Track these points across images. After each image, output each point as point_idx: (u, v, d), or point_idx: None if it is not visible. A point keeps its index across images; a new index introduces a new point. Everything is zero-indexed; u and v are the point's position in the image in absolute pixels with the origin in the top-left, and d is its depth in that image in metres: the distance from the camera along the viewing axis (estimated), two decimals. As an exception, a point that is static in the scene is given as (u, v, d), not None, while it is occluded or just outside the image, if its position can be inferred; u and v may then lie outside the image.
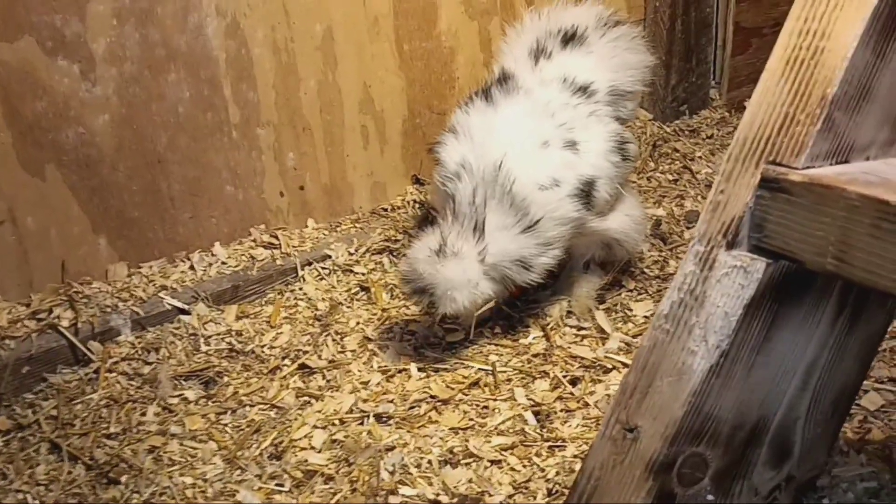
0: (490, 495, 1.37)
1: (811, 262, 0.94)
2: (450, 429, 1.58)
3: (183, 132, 1.96)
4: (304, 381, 1.76)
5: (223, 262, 2.04)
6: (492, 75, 1.89)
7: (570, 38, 1.89)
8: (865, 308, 1.12)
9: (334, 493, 1.41)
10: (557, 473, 1.41)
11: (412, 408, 1.66)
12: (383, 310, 1.99)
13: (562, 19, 1.92)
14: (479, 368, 1.79)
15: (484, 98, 1.79)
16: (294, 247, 2.12)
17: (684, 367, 0.99)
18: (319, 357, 1.83)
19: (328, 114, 2.13)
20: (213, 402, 1.71)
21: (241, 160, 2.04)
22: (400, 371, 1.79)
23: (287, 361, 1.83)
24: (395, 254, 2.16)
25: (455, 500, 1.36)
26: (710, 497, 1.05)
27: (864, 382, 1.63)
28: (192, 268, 2.02)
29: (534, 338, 1.88)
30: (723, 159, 1.03)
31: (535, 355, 1.82)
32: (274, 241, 2.12)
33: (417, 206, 2.31)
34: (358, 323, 1.94)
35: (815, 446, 1.17)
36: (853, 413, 1.54)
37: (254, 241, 2.11)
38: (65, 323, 1.82)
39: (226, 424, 1.65)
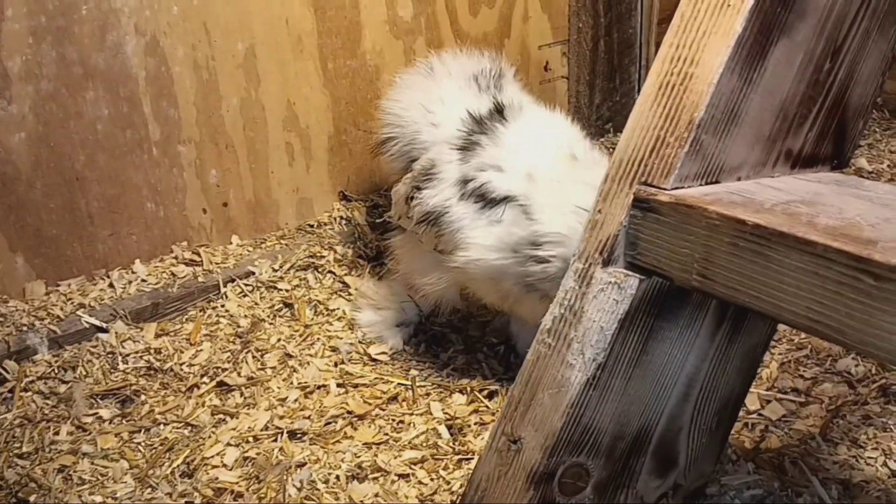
0: (396, 510, 1.39)
1: (678, 278, 0.98)
2: (363, 444, 1.60)
3: (102, 150, 1.95)
4: (220, 399, 1.77)
5: (143, 280, 2.04)
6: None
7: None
8: (745, 320, 1.17)
9: (241, 512, 1.42)
10: (461, 486, 1.44)
11: (328, 424, 1.68)
12: (306, 326, 2.00)
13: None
14: (399, 383, 1.81)
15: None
16: (216, 263, 2.12)
17: (563, 379, 1.03)
18: (238, 374, 1.84)
19: (251, 131, 2.14)
20: (128, 421, 1.71)
21: (161, 177, 2.04)
22: (319, 387, 1.80)
23: (205, 379, 1.83)
24: (319, 270, 2.18)
25: (360, 514, 1.38)
26: (592, 506, 1.08)
27: (767, 392, 1.69)
28: (111, 285, 2.01)
29: (454, 352, 1.91)
30: (602, 180, 1.07)
31: (455, 370, 1.85)
32: (196, 257, 2.12)
33: (344, 222, 2.33)
34: (279, 339, 1.95)
35: (702, 455, 1.21)
36: (754, 423, 1.59)
37: (175, 258, 2.11)
38: (-22, 342, 1.80)
39: (139, 443, 1.64)
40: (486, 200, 1.59)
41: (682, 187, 1.00)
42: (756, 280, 0.90)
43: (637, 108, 1.06)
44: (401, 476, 1.47)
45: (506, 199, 1.57)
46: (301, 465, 1.52)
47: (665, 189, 0.99)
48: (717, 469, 1.31)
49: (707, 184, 1.03)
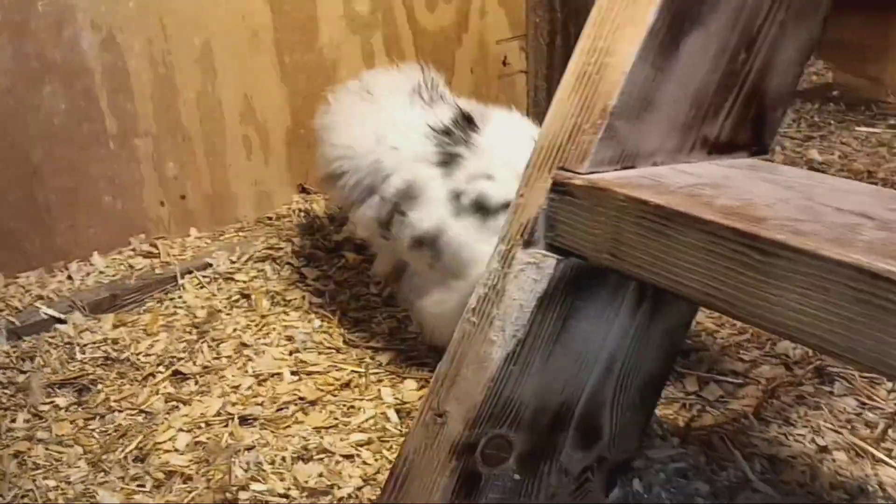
0: (339, 487, 1.44)
1: (591, 257, 1.03)
2: (313, 428, 1.64)
3: (59, 143, 1.98)
4: (175, 387, 1.80)
5: (101, 272, 2.07)
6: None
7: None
8: (666, 301, 1.22)
9: (190, 492, 1.46)
10: (404, 465, 1.48)
11: (279, 409, 1.71)
12: (262, 316, 2.04)
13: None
14: (352, 370, 1.85)
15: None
16: (174, 255, 2.16)
17: (485, 355, 1.07)
18: (194, 363, 1.88)
19: (209, 124, 2.18)
20: (84, 409, 1.74)
21: (119, 170, 2.08)
22: (273, 375, 1.84)
23: (161, 368, 1.86)
24: (277, 261, 2.22)
25: (304, 493, 1.42)
26: (516, 476, 1.13)
27: (706, 374, 1.75)
28: (69, 277, 2.05)
29: (412, 341, 1.96)
30: (525, 167, 1.12)
31: (410, 358, 1.89)
32: (154, 250, 2.16)
33: (303, 214, 2.37)
34: (235, 329, 1.99)
35: (626, 430, 1.26)
36: (692, 403, 1.65)
37: (133, 250, 2.15)
38: (-64, 333, 1.83)
39: (93, 430, 1.68)
40: (487, 211, 1.59)
41: (598, 172, 1.05)
42: (658, 257, 0.95)
43: (557, 97, 1.11)
44: (346, 457, 1.52)
45: (505, 206, 1.54)
46: (249, 449, 1.56)
47: (580, 174, 1.04)
48: (643, 444, 1.36)
49: (623, 169, 1.08)
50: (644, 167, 1.11)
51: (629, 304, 1.17)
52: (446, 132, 1.72)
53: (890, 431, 1.52)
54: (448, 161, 1.67)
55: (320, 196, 2.42)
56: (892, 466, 1.42)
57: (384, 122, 1.83)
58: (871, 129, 2.92)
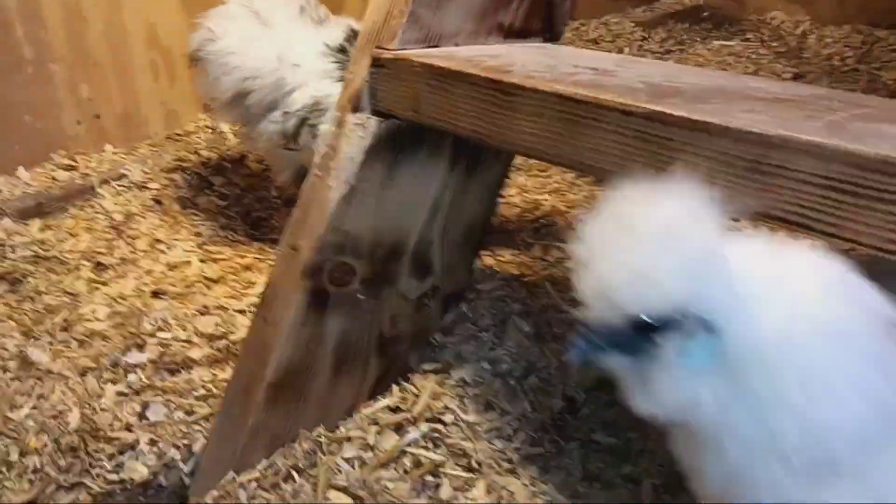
0: (232, 333, 1.74)
1: (401, 115, 1.33)
2: (214, 297, 1.94)
3: (-20, 69, 2.21)
4: (96, 275, 2.07)
5: (27, 184, 2.32)
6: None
7: None
8: (481, 159, 1.53)
9: (106, 346, 1.75)
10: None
11: (187, 287, 2.00)
12: (174, 217, 2.31)
13: None
14: (254, 257, 2.15)
15: None
16: (92, 168, 2.41)
17: (326, 198, 1.37)
18: (112, 256, 2.14)
19: (117, 51, 2.42)
20: (17, 295, 2.00)
21: (37, 93, 2.31)
22: (184, 263, 2.12)
23: (84, 262, 2.13)
24: (186, 171, 2.48)
25: (203, 338, 1.72)
26: (360, 296, 1.44)
27: (551, 243, 2.08)
28: (-2, 189, 2.29)
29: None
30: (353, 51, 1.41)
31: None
32: (73, 163, 2.41)
33: (209, 130, 2.63)
34: (149, 229, 2.26)
35: (455, 266, 1.58)
36: (531, 261, 1.97)
37: (55, 164, 2.39)
38: None
39: (25, 309, 1.95)
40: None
41: (405, 49, 1.35)
42: (443, 108, 1.25)
43: (376, -8, 1.40)
44: (239, 311, 1.82)
45: None
46: (159, 311, 1.85)
47: (391, 50, 1.33)
48: (472, 278, 1.68)
49: (428, 47, 1.38)
50: (446, 47, 1.41)
51: (446, 162, 1.48)
52: (341, 50, 1.99)
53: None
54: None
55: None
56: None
57: (282, 43, 2.05)
58: (726, 43, 3.26)
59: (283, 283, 1.41)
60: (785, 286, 0.81)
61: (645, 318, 0.75)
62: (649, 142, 0.99)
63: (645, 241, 0.76)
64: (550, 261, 1.98)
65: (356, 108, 1.38)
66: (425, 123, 1.30)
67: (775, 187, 0.88)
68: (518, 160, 2.50)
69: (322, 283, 1.39)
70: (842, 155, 0.82)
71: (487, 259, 1.91)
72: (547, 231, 2.13)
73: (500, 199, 1.83)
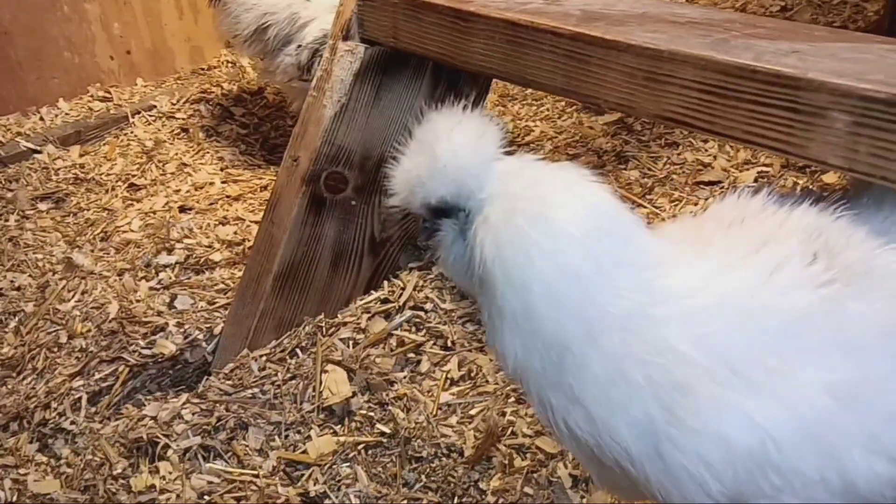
0: (249, 241, 1.98)
1: (383, 41, 1.54)
2: (234, 211, 2.18)
3: (22, 9, 2.45)
4: (130, 194, 2.33)
5: (67, 114, 2.57)
6: None
7: None
8: (459, 81, 1.73)
9: (140, 252, 2.00)
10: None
11: (210, 204, 2.25)
12: (199, 144, 2.55)
13: None
14: (270, 179, 2.38)
15: None
16: (125, 100, 2.65)
17: (321, 116, 1.60)
18: (145, 178, 2.40)
19: (145, -11, 2.64)
20: (61, 211, 2.27)
21: (74, 30, 2.54)
22: (208, 184, 2.37)
23: (119, 183, 2.38)
24: (210, 102, 2.72)
25: (223, 244, 1.97)
26: (353, 202, 1.67)
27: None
28: (41, 119, 2.55)
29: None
30: (345, -15, 1.61)
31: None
32: (108, 95, 2.65)
33: (230, 65, 2.85)
34: (177, 154, 2.51)
35: (439, 178, 1.80)
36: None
37: (91, 96, 2.64)
38: (-62, 162, 2.34)
39: (69, 223, 2.21)
40: None
41: (388, -16, 1.55)
42: (416, 34, 1.46)
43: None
44: (255, 222, 2.06)
45: None
46: (185, 222, 2.10)
47: (374, -15, 1.54)
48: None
49: (409, -17, 1.58)
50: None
51: (428, 84, 1.68)
52: None
53: (657, 188, 2.07)
54: None
55: (245, 50, 2.89)
56: (644, 206, 1.97)
57: None
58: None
59: (285, 189, 1.64)
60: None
61: (426, 204, 0.93)
62: (575, 59, 1.19)
63: (426, 150, 0.95)
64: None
65: (346, 37, 1.59)
66: (403, 49, 1.51)
67: (666, 93, 1.08)
68: (514, 90, 2.70)
69: (319, 190, 1.62)
70: (712, 64, 1.03)
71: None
72: (535, 154, 2.33)
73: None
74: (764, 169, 2.06)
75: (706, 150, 2.16)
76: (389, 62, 1.61)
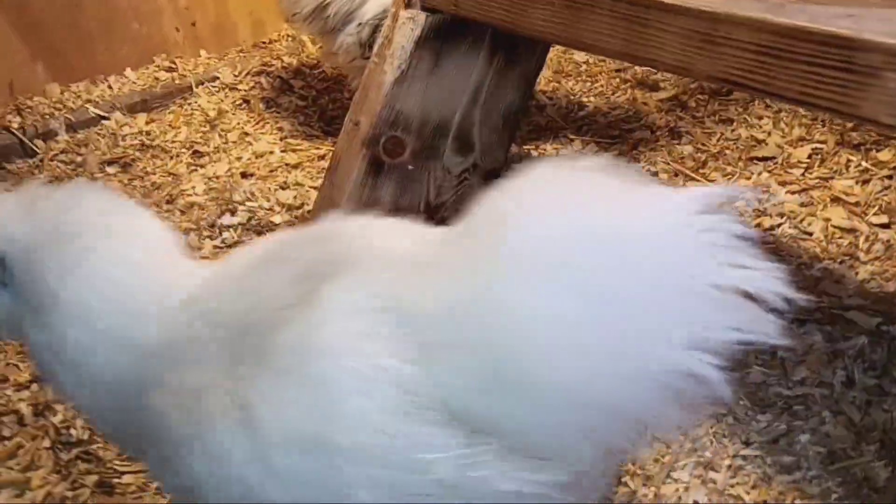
0: (307, 205, 2.05)
1: (445, 9, 1.59)
2: (293, 177, 2.25)
3: (95, -20, 2.55)
4: (194, 160, 2.41)
5: (134, 83, 2.66)
6: None
7: None
8: (517, 51, 1.77)
9: (204, 213, 2.08)
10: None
11: (271, 171, 2.32)
12: (259, 115, 2.63)
13: None
14: (327, 149, 2.45)
15: None
16: (189, 70, 2.74)
17: (382, 81, 1.65)
18: (208, 146, 2.48)
19: (210, -36, 2.72)
20: (128, 174, 2.36)
21: (142, 2, 2.64)
22: (268, 152, 2.44)
23: (184, 150, 2.47)
24: (270, 75, 2.79)
25: (283, 208, 2.04)
26: (410, 167, 1.72)
27: (589, 138, 2.31)
28: (109, 87, 2.64)
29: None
30: (408, -45, 1.66)
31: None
32: (173, 66, 2.74)
33: (291, 39, 2.92)
34: (239, 123, 2.58)
35: (494, 147, 1.83)
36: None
37: (157, 66, 2.73)
38: (15, 126, 2.45)
39: (135, 186, 2.30)
40: None
41: (450, -45, 1.59)
42: (477, 2, 1.50)
43: None
44: (313, 188, 2.12)
45: None
46: (247, 187, 2.17)
47: (437, -45, 1.58)
48: (509, 159, 1.93)
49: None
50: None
51: (486, 54, 1.72)
52: None
53: (710, 163, 2.09)
54: None
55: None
56: (698, 180, 1.99)
57: None
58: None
59: (346, 152, 1.70)
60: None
61: None
62: (633, 22, 1.22)
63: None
64: (587, 153, 2.22)
65: (408, 4, 1.64)
66: (463, 16, 1.56)
67: (722, 55, 1.11)
68: (568, 67, 2.72)
69: (378, 153, 1.68)
70: (768, 25, 1.05)
71: (530, 149, 2.17)
72: (588, 129, 2.36)
73: (535, 90, 2.07)
74: (818, 145, 2.06)
75: (760, 127, 2.17)
76: (449, 31, 1.65)
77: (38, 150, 2.44)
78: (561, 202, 0.74)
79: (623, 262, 0.70)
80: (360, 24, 2.30)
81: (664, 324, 0.69)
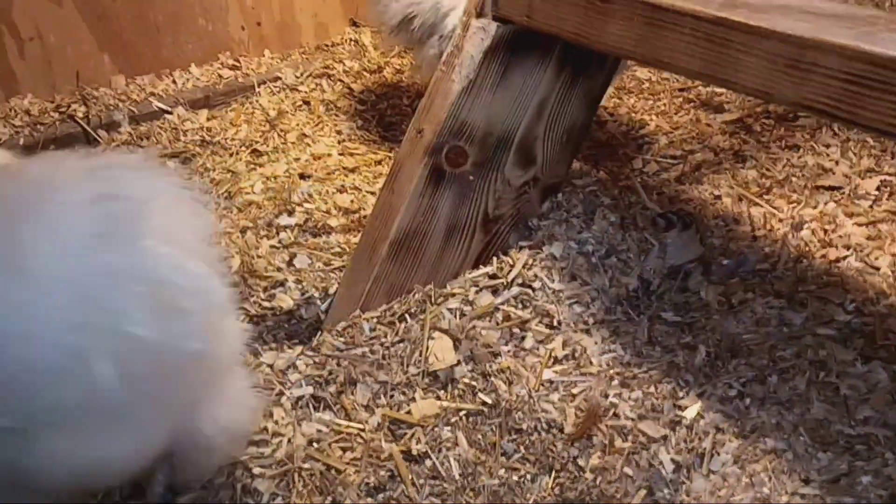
0: (364, 210, 2.05)
1: (517, 20, 1.57)
2: (350, 181, 2.25)
3: (164, -26, 2.58)
4: (253, 158, 2.43)
5: (197, 78, 2.69)
6: None
7: None
8: (585, 67, 1.75)
9: (261, 212, 2.09)
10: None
11: (328, 173, 2.33)
12: (319, 117, 2.64)
13: None
14: (384, 154, 2.45)
15: None
16: (252, 69, 2.76)
17: (449, 90, 1.64)
18: (267, 145, 2.49)
19: (279, -35, 2.74)
20: (187, 169, 2.38)
21: (209, -1, 2.67)
22: (326, 155, 2.45)
23: (243, 148, 2.49)
24: (331, 78, 2.80)
25: (340, 211, 2.04)
26: (471, 178, 1.71)
27: (649, 157, 2.28)
28: (173, 81, 2.67)
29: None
30: (482, -35, 1.65)
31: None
32: (237, 64, 2.76)
33: (353, 43, 2.93)
34: (298, 125, 2.60)
35: (555, 161, 1.81)
36: (628, 172, 2.19)
37: (221, 63, 2.76)
38: (80, 115, 2.48)
39: (195, 182, 2.32)
40: None
41: (525, -34, 1.58)
42: (550, 14, 1.49)
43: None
44: (370, 193, 2.12)
45: None
46: (304, 188, 2.18)
47: (512, -34, 1.57)
48: (570, 174, 1.91)
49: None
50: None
51: (553, 68, 1.71)
52: None
53: (775, 189, 2.04)
54: None
55: (368, 28, 2.97)
56: (761, 206, 1.95)
57: None
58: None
59: (407, 160, 1.69)
60: None
61: None
62: (715, 43, 1.20)
63: None
64: (647, 172, 2.19)
65: (479, 14, 1.63)
66: (536, 28, 1.54)
67: (807, 81, 1.08)
68: (631, 84, 2.69)
69: (440, 162, 1.67)
70: (860, 54, 1.02)
71: (589, 166, 2.14)
72: (648, 148, 2.33)
73: (600, 108, 2.04)
74: (887, 177, 2.00)
75: (828, 155, 2.11)
76: (519, 43, 1.64)
77: (100, 140, 2.48)
78: None
79: None
80: (441, 36, 2.28)
81: None
